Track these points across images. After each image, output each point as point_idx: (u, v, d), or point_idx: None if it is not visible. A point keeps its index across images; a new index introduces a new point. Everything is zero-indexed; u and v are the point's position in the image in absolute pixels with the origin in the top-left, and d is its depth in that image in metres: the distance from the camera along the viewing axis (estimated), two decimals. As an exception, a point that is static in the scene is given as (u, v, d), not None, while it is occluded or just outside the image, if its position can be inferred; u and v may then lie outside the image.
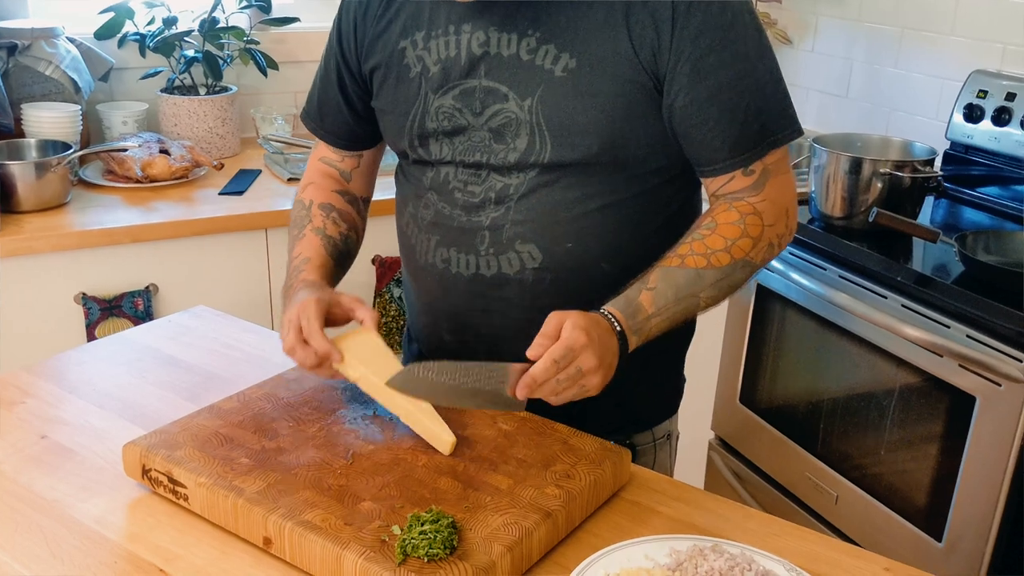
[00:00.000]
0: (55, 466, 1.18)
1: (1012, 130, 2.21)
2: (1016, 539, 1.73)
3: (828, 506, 2.09)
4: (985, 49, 2.34)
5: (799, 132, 1.22)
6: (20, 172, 2.08)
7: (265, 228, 2.22)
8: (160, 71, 2.57)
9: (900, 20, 2.55)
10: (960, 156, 2.35)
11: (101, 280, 2.09)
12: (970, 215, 2.26)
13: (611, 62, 1.16)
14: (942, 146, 2.35)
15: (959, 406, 1.77)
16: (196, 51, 2.54)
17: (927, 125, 2.48)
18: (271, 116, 2.68)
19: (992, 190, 2.28)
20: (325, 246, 1.35)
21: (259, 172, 2.47)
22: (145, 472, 1.11)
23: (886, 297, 1.89)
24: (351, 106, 1.38)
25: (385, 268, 2.37)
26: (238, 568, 1.01)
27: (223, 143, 2.58)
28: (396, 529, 0.97)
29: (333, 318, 1.23)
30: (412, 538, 0.94)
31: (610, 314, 1.13)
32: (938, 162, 2.26)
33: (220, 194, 2.30)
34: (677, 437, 1.47)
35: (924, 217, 2.15)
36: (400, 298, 2.40)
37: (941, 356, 1.78)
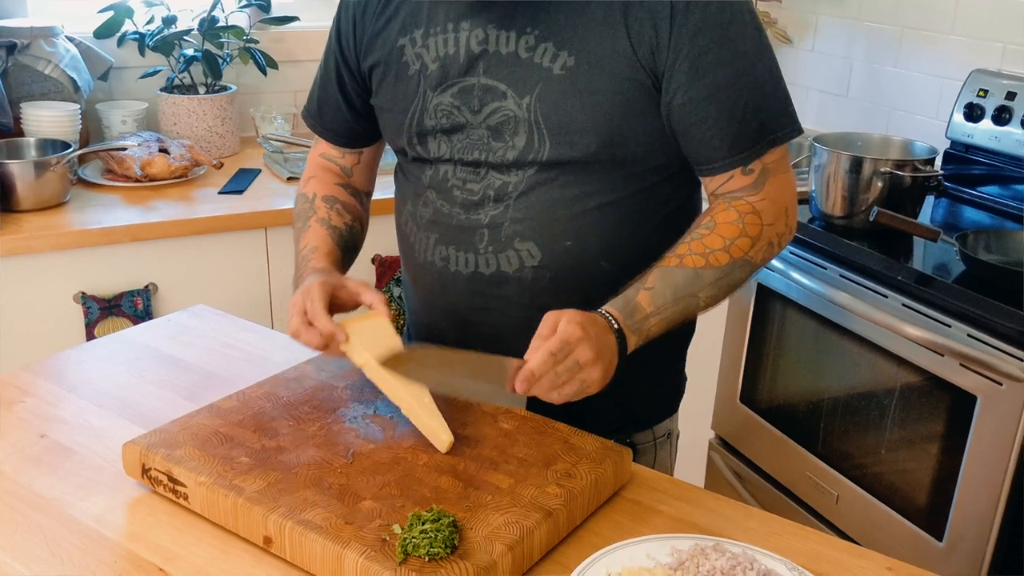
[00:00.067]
0: (54, 465, 1.18)
1: (1012, 129, 2.21)
2: (1017, 539, 1.72)
3: (829, 506, 2.09)
4: (985, 48, 2.34)
5: (799, 131, 1.22)
6: (19, 171, 2.08)
7: (265, 227, 2.21)
8: (159, 70, 2.57)
9: (900, 19, 2.55)
10: (960, 155, 2.35)
11: (100, 279, 2.09)
12: (970, 214, 2.26)
13: (609, 60, 1.15)
14: (942, 145, 2.35)
15: (960, 405, 1.77)
16: (195, 50, 2.53)
17: (927, 124, 2.48)
18: (270, 115, 2.68)
19: (992, 189, 2.28)
20: (331, 236, 1.35)
21: (259, 171, 2.47)
22: (145, 471, 1.11)
23: (887, 296, 1.89)
24: (350, 104, 1.38)
25: (385, 267, 2.37)
26: (238, 567, 1.01)
27: (222, 142, 2.58)
28: (397, 528, 0.97)
29: (340, 302, 1.23)
30: (413, 537, 0.94)
31: (607, 313, 1.13)
32: (938, 161, 2.26)
33: (220, 193, 2.29)
34: (677, 436, 1.46)
35: (924, 216, 2.15)
36: (400, 297, 2.40)
37: (942, 355, 1.78)
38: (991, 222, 2.20)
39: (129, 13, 2.49)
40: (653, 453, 1.40)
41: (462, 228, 1.26)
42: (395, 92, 1.28)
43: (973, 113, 2.28)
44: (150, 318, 2.08)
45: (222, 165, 2.42)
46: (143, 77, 2.57)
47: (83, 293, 2.07)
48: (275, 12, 2.67)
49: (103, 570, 1.00)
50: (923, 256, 1.98)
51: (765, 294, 2.21)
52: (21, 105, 2.31)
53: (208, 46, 2.55)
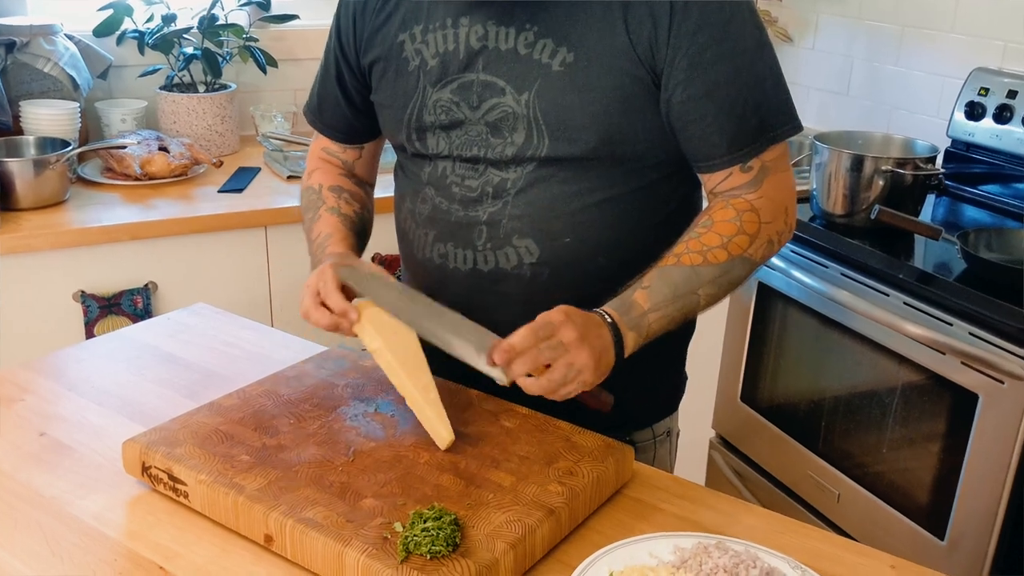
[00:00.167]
0: (54, 463, 1.18)
1: (1013, 128, 2.21)
2: (1019, 538, 1.72)
3: (830, 504, 2.09)
4: (986, 47, 2.34)
5: (798, 128, 1.22)
6: (19, 169, 2.07)
7: (264, 226, 2.21)
8: (159, 68, 2.57)
9: (901, 18, 2.54)
10: (961, 154, 2.34)
11: (100, 278, 2.08)
12: (971, 213, 2.26)
13: (609, 56, 1.15)
14: (943, 144, 2.34)
15: (961, 404, 1.76)
16: (195, 48, 2.53)
17: (928, 123, 2.47)
18: (270, 114, 2.67)
19: (993, 188, 2.28)
20: (343, 223, 1.35)
21: (258, 170, 2.47)
22: (145, 469, 1.11)
23: (888, 295, 1.89)
24: (349, 100, 1.38)
25: (385, 265, 2.36)
26: (239, 566, 1.01)
27: (222, 141, 2.58)
28: (398, 526, 0.96)
29: None
30: (414, 535, 0.94)
31: (602, 310, 1.13)
32: (939, 160, 2.25)
33: (219, 192, 2.29)
34: (677, 434, 1.46)
35: (925, 215, 2.15)
36: (400, 296, 2.39)
37: (943, 354, 1.77)
38: (992, 220, 2.20)
39: (128, 11, 2.49)
40: (652, 451, 1.40)
41: (461, 225, 1.25)
42: (395, 88, 1.28)
43: (974, 112, 2.28)
44: (150, 317, 2.07)
45: (222, 163, 2.42)
46: (143, 75, 2.57)
47: (83, 292, 2.07)
48: (275, 10, 2.67)
49: (103, 569, 0.99)
50: (924, 254, 1.98)
51: (766, 293, 2.20)
52: (20, 103, 2.30)
53: (208, 44, 2.55)
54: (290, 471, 1.06)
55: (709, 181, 1.23)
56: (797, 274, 2.07)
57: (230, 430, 1.14)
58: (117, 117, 2.50)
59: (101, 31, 2.47)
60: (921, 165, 2.03)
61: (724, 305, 2.27)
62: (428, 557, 0.92)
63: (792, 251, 2.10)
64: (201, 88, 2.59)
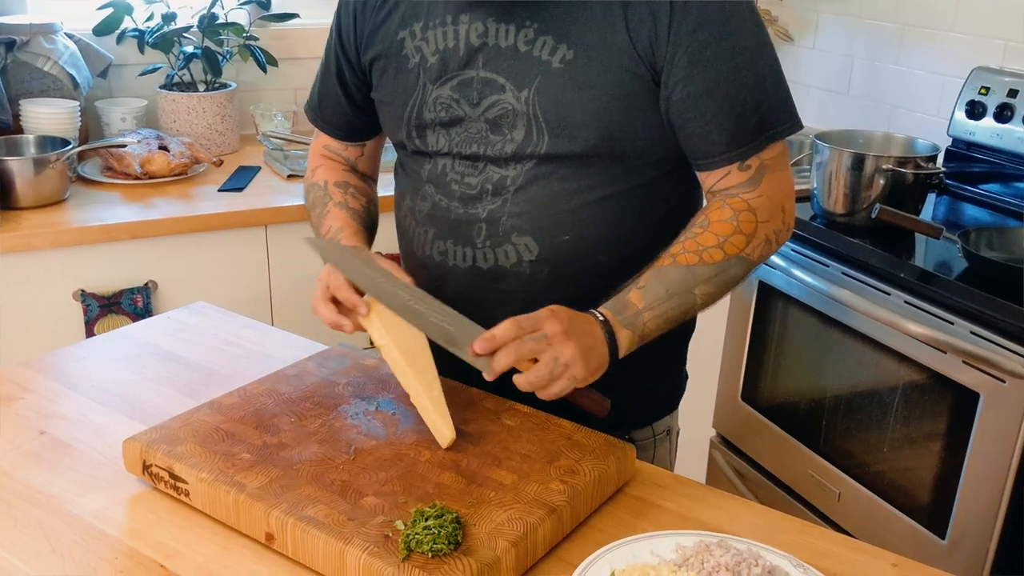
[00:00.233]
0: (54, 462, 1.18)
1: (1014, 127, 2.21)
2: (1020, 537, 1.72)
3: (831, 503, 2.09)
4: (986, 45, 2.34)
5: (798, 126, 1.21)
6: (18, 168, 2.07)
7: (265, 224, 2.21)
8: (159, 67, 2.56)
9: (901, 17, 2.54)
10: (962, 153, 2.34)
11: (100, 277, 2.08)
12: (972, 212, 2.26)
13: (608, 54, 1.15)
14: (944, 143, 2.34)
15: (963, 403, 1.76)
16: (195, 47, 2.53)
17: (928, 122, 2.47)
18: (270, 112, 2.67)
19: (994, 187, 2.28)
20: (352, 217, 1.36)
21: (258, 169, 2.47)
22: (146, 468, 1.10)
23: (889, 294, 1.89)
24: (350, 98, 1.38)
25: (385, 265, 2.36)
26: (240, 564, 1.00)
27: (222, 139, 2.58)
28: (400, 524, 0.96)
29: None
30: (416, 533, 0.94)
31: (596, 311, 1.13)
32: (940, 159, 2.25)
33: (219, 191, 2.29)
34: (677, 433, 1.46)
35: (926, 214, 2.14)
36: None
37: (944, 352, 1.77)
38: (993, 219, 2.19)
39: (128, 10, 2.48)
40: (652, 450, 1.40)
41: (460, 222, 1.25)
42: (395, 85, 1.28)
43: (975, 111, 2.28)
44: (150, 316, 2.07)
45: (222, 163, 2.42)
46: (143, 74, 2.57)
47: (83, 291, 2.06)
48: (275, 9, 2.67)
49: (104, 567, 0.99)
50: (925, 253, 1.98)
51: (767, 292, 2.20)
52: (20, 102, 2.30)
53: (208, 43, 2.54)
54: (291, 469, 1.06)
55: (707, 180, 1.23)
56: (798, 273, 2.07)
57: (231, 428, 1.14)
58: (117, 116, 2.49)
59: (101, 30, 2.47)
60: (922, 164, 2.03)
61: (725, 304, 2.27)
62: (430, 555, 0.92)
63: (793, 250, 2.10)
64: (201, 87, 2.59)
